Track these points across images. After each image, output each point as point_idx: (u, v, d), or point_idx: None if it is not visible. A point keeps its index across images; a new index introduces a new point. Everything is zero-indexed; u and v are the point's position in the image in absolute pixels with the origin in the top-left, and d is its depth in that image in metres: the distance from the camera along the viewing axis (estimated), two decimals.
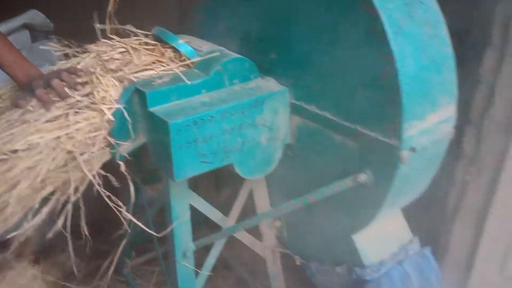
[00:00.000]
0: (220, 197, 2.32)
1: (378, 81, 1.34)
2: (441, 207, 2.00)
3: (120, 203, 1.47)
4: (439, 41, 1.38)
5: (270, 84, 1.73)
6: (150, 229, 1.87)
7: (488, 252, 1.86)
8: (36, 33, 2.60)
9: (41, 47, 1.85)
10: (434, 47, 1.36)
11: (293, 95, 1.69)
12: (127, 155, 1.57)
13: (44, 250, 2.82)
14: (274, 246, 2.17)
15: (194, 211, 1.85)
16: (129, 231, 1.79)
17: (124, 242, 2.41)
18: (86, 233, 1.57)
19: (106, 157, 1.54)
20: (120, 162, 1.51)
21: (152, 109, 1.50)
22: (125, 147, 1.57)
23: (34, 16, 2.55)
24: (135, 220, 1.54)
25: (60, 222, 1.42)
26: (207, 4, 1.99)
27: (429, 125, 1.40)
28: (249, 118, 1.61)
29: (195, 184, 2.03)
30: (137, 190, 2.26)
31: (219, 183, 2.36)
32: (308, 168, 1.77)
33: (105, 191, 1.46)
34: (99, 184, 1.46)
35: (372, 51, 1.32)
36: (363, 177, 1.50)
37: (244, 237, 2.13)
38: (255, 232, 2.18)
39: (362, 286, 1.69)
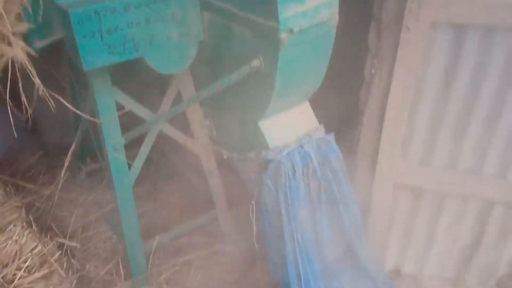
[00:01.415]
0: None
1: None
2: (354, 101, 2.16)
3: (39, 82, 1.61)
4: None
5: None
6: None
7: (390, 138, 2.03)
8: None
9: None
10: None
11: None
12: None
13: (8, 156, 3.06)
14: (206, 144, 2.36)
15: None
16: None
17: (73, 146, 2.62)
18: (27, 105, 1.73)
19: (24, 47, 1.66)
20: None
21: (58, 2, 1.60)
22: (42, 40, 1.70)
23: None
24: (57, 96, 1.69)
25: None
26: None
27: (307, 8, 1.52)
28: (156, 13, 1.72)
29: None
30: (76, 95, 2.44)
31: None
32: (220, 62, 1.90)
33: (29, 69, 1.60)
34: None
35: None
36: (255, 63, 1.65)
37: (177, 135, 2.31)
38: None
39: (267, 166, 1.89)
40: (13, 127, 2.00)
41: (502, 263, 2.23)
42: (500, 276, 2.29)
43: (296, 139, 1.91)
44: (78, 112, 1.92)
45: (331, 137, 1.96)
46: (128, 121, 2.13)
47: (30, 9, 1.58)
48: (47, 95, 1.70)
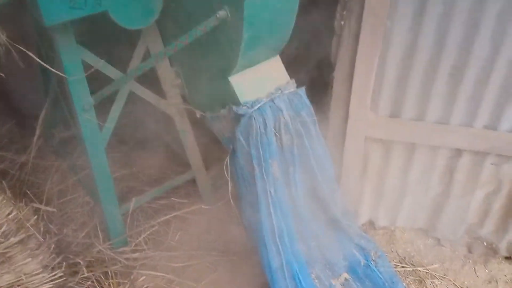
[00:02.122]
0: None
1: None
2: (325, 55, 2.16)
3: None
4: None
5: None
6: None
7: (360, 91, 2.05)
8: None
9: None
10: None
11: None
12: None
13: None
14: (179, 104, 2.34)
15: None
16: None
17: (43, 111, 2.58)
18: None
19: None
20: None
21: None
22: None
23: None
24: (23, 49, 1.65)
25: None
26: None
27: None
28: None
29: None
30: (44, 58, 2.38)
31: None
32: (187, 15, 1.86)
33: None
34: None
35: None
36: (221, 13, 1.62)
37: (148, 96, 2.29)
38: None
39: (239, 121, 1.89)
40: None
41: (470, 212, 2.31)
42: (469, 224, 2.38)
43: (267, 94, 1.90)
44: (44, 65, 1.86)
45: (302, 91, 1.96)
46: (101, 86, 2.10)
47: None
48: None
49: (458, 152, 2.11)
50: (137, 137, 2.93)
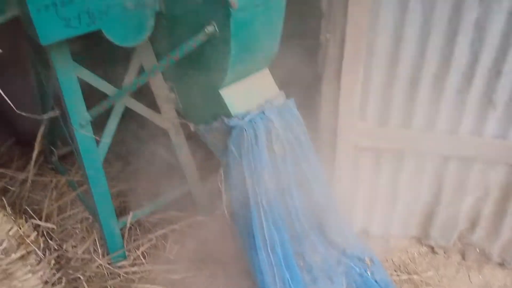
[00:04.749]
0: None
1: None
2: (312, 67, 2.22)
3: None
4: None
5: None
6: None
7: (348, 101, 2.11)
8: None
9: None
10: None
11: None
12: None
13: None
14: (173, 118, 2.40)
15: None
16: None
17: (42, 128, 2.64)
18: None
19: None
20: None
21: None
22: None
23: None
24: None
25: None
26: None
27: None
28: None
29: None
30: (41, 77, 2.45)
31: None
32: (178, 32, 1.94)
33: None
34: None
35: None
36: (210, 29, 1.70)
37: (143, 110, 2.36)
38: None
39: (230, 133, 1.95)
40: None
41: (461, 217, 2.34)
42: (460, 230, 2.41)
43: (257, 106, 1.97)
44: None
45: (291, 102, 2.02)
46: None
47: None
48: None
49: (445, 159, 2.16)
50: (134, 153, 2.99)
